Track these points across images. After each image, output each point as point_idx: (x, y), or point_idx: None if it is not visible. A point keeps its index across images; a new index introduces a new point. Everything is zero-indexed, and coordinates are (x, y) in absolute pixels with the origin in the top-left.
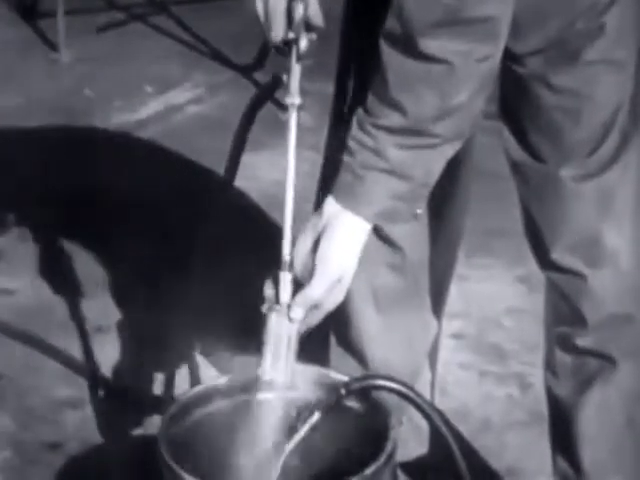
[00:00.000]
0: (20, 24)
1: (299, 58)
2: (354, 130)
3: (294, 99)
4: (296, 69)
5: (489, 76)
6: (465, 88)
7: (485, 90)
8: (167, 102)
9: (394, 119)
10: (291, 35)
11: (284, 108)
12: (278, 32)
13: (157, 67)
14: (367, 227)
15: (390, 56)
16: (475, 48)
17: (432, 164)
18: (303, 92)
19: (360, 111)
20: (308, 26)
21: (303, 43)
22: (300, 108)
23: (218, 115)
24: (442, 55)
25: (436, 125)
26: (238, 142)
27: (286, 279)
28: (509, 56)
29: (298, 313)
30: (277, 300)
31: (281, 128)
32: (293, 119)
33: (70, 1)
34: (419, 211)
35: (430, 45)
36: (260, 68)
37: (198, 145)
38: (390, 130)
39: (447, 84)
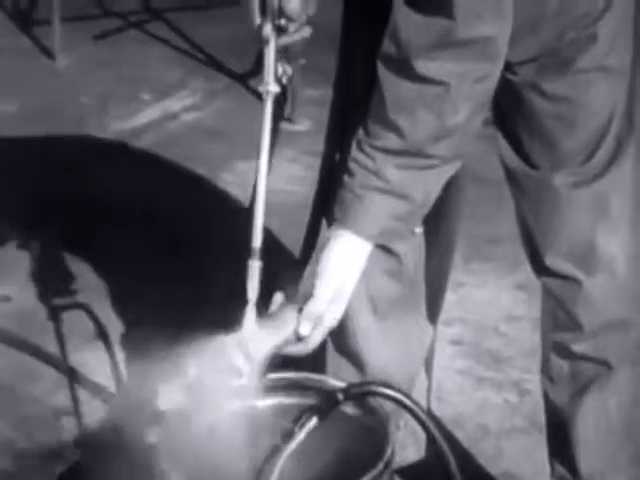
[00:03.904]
0: (16, 32)
1: (265, 43)
2: (354, 151)
3: (269, 87)
4: (271, 56)
5: (486, 96)
6: (462, 109)
7: (482, 110)
8: (163, 109)
9: (391, 141)
10: (258, 21)
11: (286, 118)
12: (253, 19)
13: (153, 74)
14: (367, 246)
15: (387, 78)
16: (471, 69)
17: (431, 184)
18: (301, 98)
19: (360, 132)
20: (282, 15)
21: (267, 29)
22: (276, 96)
23: (215, 122)
24: (438, 76)
25: (434, 146)
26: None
27: (254, 267)
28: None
29: (307, 328)
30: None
31: (278, 137)
32: (268, 107)
33: (66, 8)
34: (417, 230)
35: (426, 66)
36: (257, 75)
37: (194, 152)
38: (388, 151)
39: (443, 105)
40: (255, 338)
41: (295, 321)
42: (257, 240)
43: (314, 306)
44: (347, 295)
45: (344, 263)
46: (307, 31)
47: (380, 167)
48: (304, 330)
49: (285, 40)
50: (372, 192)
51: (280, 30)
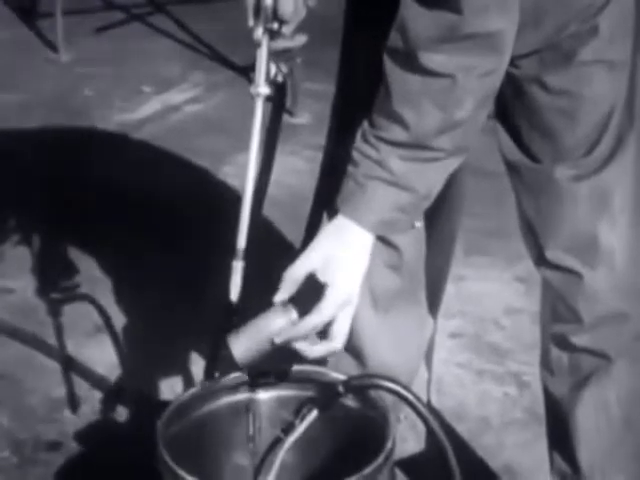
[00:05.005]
0: (19, 24)
1: (257, 45)
2: (358, 142)
3: (259, 89)
4: (262, 59)
5: (492, 90)
6: (467, 103)
7: (487, 104)
8: (165, 102)
9: (396, 133)
10: (251, 23)
11: (287, 111)
12: (249, 20)
13: (155, 67)
14: (370, 238)
15: (393, 70)
16: (477, 63)
17: (434, 177)
18: (303, 92)
19: (365, 124)
20: (275, 18)
21: (258, 32)
22: (267, 98)
23: (216, 115)
24: (444, 69)
25: (438, 139)
26: (267, 158)
27: (237, 268)
28: None
29: (280, 296)
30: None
31: (281, 130)
32: (259, 108)
33: (69, 1)
34: (418, 224)
35: (432, 59)
36: None
37: (196, 144)
38: (393, 143)
39: (449, 98)
40: (234, 340)
41: (280, 321)
42: (241, 241)
43: (289, 272)
44: (346, 277)
45: (337, 241)
46: (302, 39)
47: (384, 157)
48: (277, 297)
49: (279, 45)
50: (375, 182)
51: (272, 33)
